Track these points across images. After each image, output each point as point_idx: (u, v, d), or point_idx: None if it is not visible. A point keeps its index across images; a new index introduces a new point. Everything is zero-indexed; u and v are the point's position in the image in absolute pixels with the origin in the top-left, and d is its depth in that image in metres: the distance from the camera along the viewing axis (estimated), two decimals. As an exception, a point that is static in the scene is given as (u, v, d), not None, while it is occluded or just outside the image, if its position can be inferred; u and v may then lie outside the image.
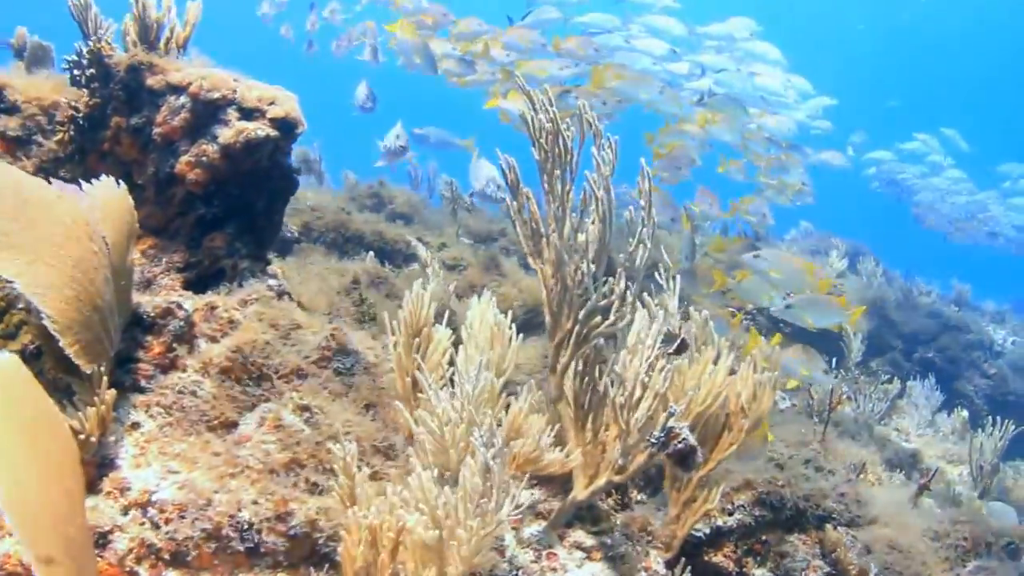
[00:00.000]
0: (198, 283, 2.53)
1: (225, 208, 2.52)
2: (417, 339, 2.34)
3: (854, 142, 12.00)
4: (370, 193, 5.16)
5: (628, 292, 2.27)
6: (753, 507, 2.81)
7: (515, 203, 2.38)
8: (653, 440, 2.08)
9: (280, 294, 2.42)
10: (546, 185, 2.32)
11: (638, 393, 2.19)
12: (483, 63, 5.97)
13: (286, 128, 2.46)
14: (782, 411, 4.98)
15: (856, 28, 29.02)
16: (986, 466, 4.87)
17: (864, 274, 9.26)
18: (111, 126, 2.63)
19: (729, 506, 2.82)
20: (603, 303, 2.27)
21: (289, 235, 4.64)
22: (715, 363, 2.47)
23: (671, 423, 2.07)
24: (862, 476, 3.83)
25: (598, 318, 2.28)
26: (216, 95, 2.45)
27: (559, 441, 2.30)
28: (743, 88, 6.75)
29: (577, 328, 2.30)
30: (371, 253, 4.36)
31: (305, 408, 2.10)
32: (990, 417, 6.55)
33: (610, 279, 2.29)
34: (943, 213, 12.74)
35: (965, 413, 6.16)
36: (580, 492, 2.27)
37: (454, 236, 5.17)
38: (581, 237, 2.29)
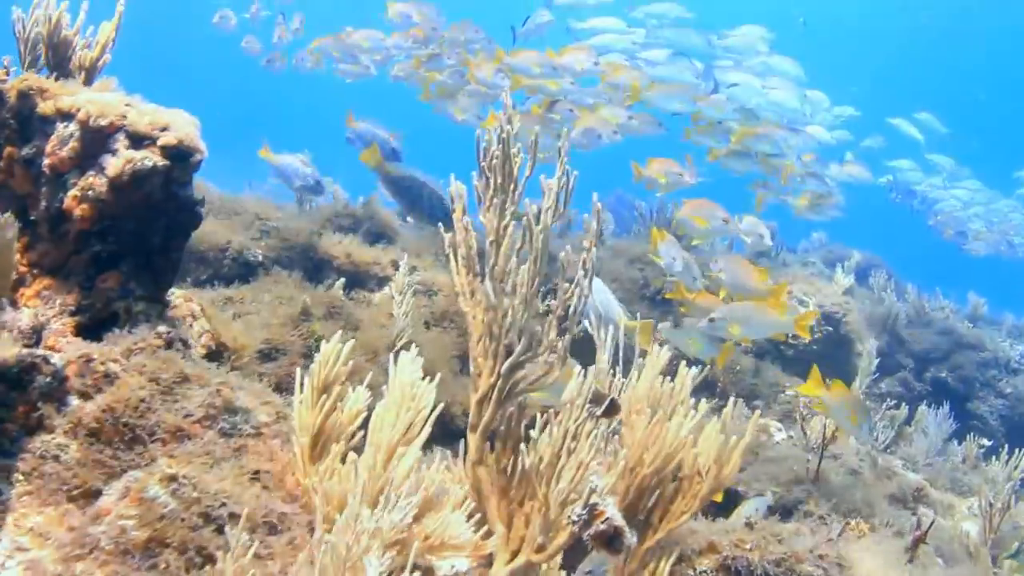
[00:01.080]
0: (92, 327, 2.24)
1: (119, 245, 2.23)
2: (326, 396, 2.02)
3: (869, 147, 11.48)
4: (346, 212, 4.86)
5: (560, 344, 1.94)
6: (717, 573, 2.46)
7: (453, 236, 2.08)
8: (574, 518, 1.75)
9: (171, 342, 2.11)
10: (482, 216, 2.01)
11: (562, 461, 1.86)
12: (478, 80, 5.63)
13: (180, 156, 2.16)
14: (777, 443, 4.61)
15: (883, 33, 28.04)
16: (997, 503, 4.44)
17: (875, 288, 8.82)
18: (3, 156, 2.36)
19: (690, 572, 2.47)
20: (529, 355, 1.94)
21: (253, 259, 4.36)
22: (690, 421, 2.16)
23: (594, 499, 1.73)
24: (853, 524, 3.46)
25: (523, 372, 1.96)
26: (104, 122, 2.16)
27: (479, 511, 1.97)
28: (757, 103, 6.36)
29: (500, 383, 1.98)
30: (341, 280, 4.05)
31: (172, 478, 1.79)
32: (1006, 445, 6.13)
33: (538, 328, 1.97)
34: (961, 221, 12.19)
35: (985, 441, 5.71)
36: (499, 570, 1.94)
37: (435, 257, 4.85)
38: (514, 279, 1.97)
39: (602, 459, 2.14)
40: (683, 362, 2.32)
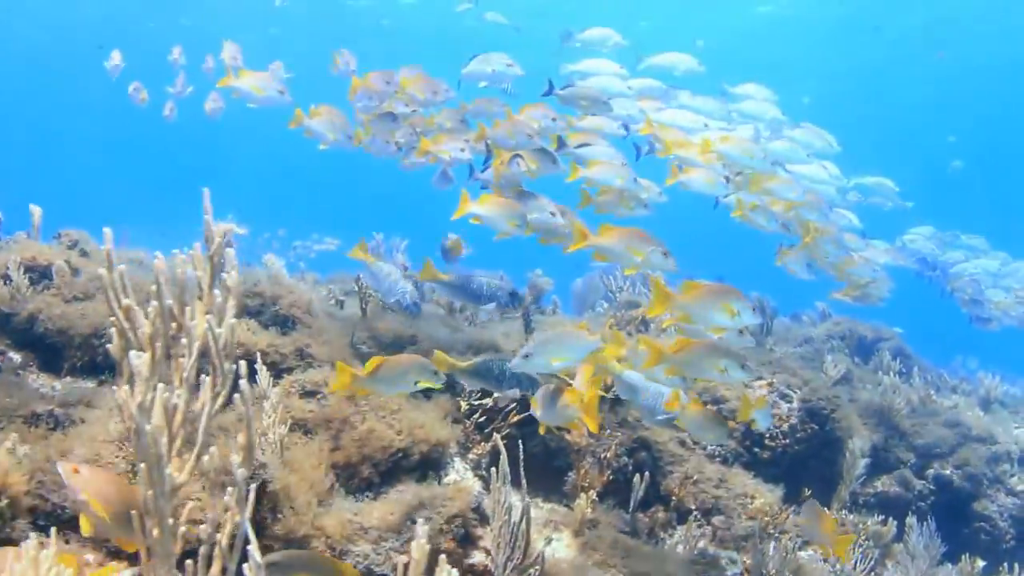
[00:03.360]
0: None
1: None
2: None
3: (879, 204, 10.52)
4: (254, 292, 4.18)
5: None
6: None
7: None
8: None
9: None
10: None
11: None
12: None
13: None
14: (728, 577, 3.80)
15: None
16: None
17: (879, 369, 7.89)
18: None
19: None
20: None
21: (132, 347, 3.71)
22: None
23: None
24: None
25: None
26: None
27: None
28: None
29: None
30: (206, 377, 3.36)
31: None
32: (1007, 562, 5.21)
33: None
34: (978, 288, 11.03)
35: (979, 563, 4.79)
36: None
37: (351, 347, 4.13)
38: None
39: None
40: None
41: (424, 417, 3.49)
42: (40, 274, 4.08)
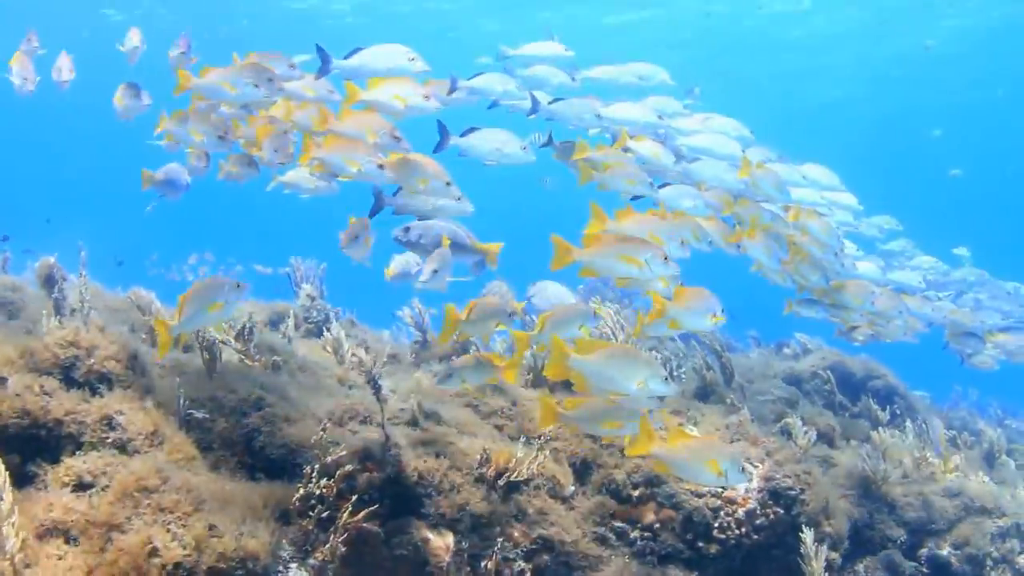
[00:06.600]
0: None
1: None
2: None
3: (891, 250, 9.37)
4: (65, 342, 3.30)
5: None
6: None
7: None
8: None
9: None
10: None
11: None
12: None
13: None
14: None
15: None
16: None
17: (866, 417, 6.88)
18: None
19: None
20: None
21: None
22: None
23: None
24: None
25: None
26: None
27: None
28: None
29: None
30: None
31: None
32: None
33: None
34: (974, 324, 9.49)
35: None
36: None
37: (174, 412, 3.24)
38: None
39: None
40: None
41: (228, 519, 2.60)
42: None
